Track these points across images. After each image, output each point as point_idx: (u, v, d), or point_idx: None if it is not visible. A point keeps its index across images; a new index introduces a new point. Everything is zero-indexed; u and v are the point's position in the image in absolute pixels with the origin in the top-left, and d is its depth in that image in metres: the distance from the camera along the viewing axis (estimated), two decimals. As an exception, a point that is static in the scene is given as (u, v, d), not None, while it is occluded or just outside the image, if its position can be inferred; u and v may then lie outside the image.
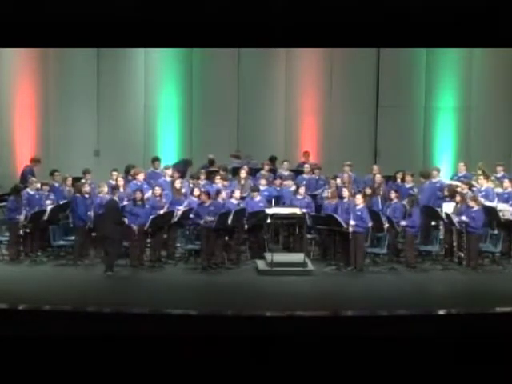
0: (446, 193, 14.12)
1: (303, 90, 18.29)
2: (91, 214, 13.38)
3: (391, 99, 18.24)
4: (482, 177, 14.34)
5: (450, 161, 18.18)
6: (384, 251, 13.40)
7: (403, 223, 13.24)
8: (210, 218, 13.00)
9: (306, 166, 15.84)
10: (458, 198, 13.49)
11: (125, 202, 13.67)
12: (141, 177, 14.50)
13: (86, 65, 17.88)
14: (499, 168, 15.04)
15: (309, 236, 13.93)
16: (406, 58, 17.98)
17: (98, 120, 18.13)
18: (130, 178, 14.72)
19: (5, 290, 11.64)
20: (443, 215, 13.52)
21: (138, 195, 13.27)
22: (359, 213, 13.03)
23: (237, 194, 13.86)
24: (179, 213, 13.50)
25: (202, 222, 13.08)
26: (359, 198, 13.16)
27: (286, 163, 15.80)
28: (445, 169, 17.80)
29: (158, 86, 18.15)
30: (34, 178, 14.28)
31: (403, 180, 14.76)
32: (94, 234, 13.60)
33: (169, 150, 18.02)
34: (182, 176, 15.06)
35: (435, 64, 18.16)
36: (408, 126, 18.32)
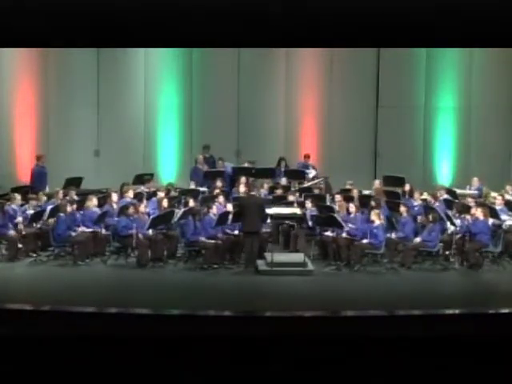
0: (454, 209, 14.10)
1: (303, 90, 18.28)
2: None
3: (391, 99, 18.23)
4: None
5: (450, 161, 18.19)
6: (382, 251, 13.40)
7: (418, 240, 13.28)
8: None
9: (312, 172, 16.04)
10: (472, 211, 13.43)
11: (115, 218, 13.71)
12: (130, 194, 14.57)
13: (85, 65, 17.87)
14: (509, 187, 15.07)
15: (309, 236, 13.94)
16: (406, 58, 17.97)
17: (98, 120, 18.12)
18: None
19: (5, 289, 11.64)
20: (443, 215, 13.54)
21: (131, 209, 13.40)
22: (375, 230, 13.13)
23: (220, 199, 14.04)
24: (179, 213, 13.53)
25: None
26: (375, 214, 13.21)
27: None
28: (445, 169, 17.85)
29: (158, 86, 18.15)
30: (16, 194, 14.10)
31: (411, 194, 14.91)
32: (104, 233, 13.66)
33: (169, 149, 18.03)
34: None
35: (435, 64, 18.15)
36: (408, 126, 18.32)
